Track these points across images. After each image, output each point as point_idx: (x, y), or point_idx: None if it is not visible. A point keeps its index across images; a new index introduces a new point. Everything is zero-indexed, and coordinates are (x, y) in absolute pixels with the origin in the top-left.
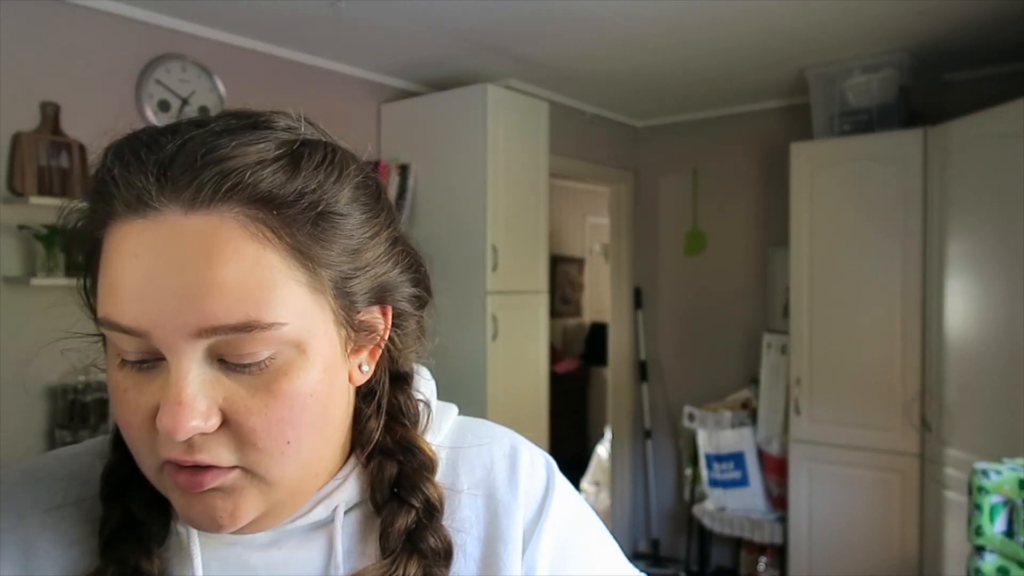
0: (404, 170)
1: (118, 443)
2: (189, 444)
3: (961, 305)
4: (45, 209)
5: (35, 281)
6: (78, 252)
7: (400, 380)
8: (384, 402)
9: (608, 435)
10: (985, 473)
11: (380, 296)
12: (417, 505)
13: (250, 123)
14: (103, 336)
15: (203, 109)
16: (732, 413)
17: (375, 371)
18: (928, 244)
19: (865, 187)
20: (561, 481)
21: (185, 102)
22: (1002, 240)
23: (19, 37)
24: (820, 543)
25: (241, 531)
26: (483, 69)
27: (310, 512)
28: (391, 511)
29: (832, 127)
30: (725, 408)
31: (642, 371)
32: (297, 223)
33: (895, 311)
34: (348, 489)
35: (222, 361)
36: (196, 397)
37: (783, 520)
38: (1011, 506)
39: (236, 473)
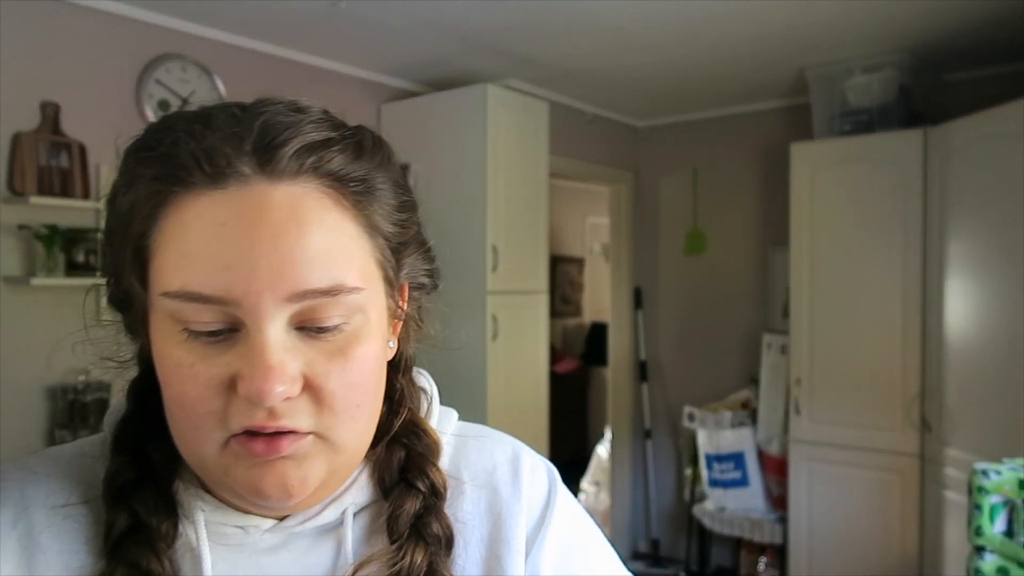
0: (404, 170)
1: (119, 446)
2: (271, 411)
3: (961, 305)
4: (45, 209)
5: (35, 281)
6: (122, 230)
7: (404, 363)
8: (395, 384)
9: (608, 435)
10: (985, 473)
11: (408, 275)
12: (423, 489)
13: (298, 107)
14: (131, 322)
15: None
16: (732, 413)
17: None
18: (928, 244)
19: (865, 187)
20: (563, 488)
21: (185, 102)
22: (1002, 240)
23: (19, 37)
24: (820, 543)
25: (294, 508)
26: (483, 69)
27: (320, 514)
28: (399, 495)
29: (832, 127)
30: (725, 408)
31: (642, 371)
32: (360, 198)
33: (895, 311)
34: (357, 491)
35: (300, 328)
36: (284, 362)
37: (783, 520)
38: (1011, 506)
39: (309, 439)
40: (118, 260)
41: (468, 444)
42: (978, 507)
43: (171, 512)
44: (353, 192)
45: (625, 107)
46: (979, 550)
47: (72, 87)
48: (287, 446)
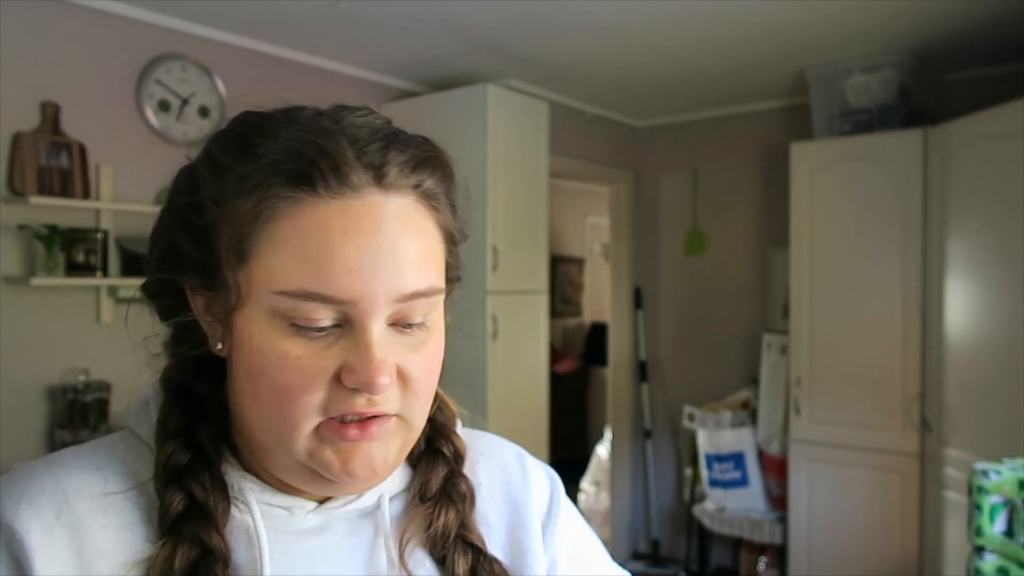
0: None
1: (167, 432)
2: (369, 398)
3: (961, 305)
4: (45, 209)
5: (35, 281)
6: (212, 225)
7: None
8: None
9: (608, 435)
10: (985, 473)
11: (453, 272)
12: (448, 454)
13: (392, 126)
14: (219, 315)
15: (203, 109)
16: (732, 413)
17: None
18: (928, 244)
19: (865, 187)
20: (561, 484)
21: (185, 102)
22: (1002, 240)
23: (19, 37)
24: (820, 543)
25: (361, 488)
26: (483, 69)
27: (360, 498)
28: (429, 461)
29: (832, 127)
30: (725, 408)
31: (642, 371)
32: (441, 208)
33: (895, 311)
34: (393, 480)
35: (392, 325)
36: (387, 355)
37: (783, 520)
38: (1011, 506)
39: (393, 421)
40: (192, 252)
41: (476, 446)
42: (978, 507)
43: (224, 492)
44: (438, 203)
45: (625, 107)
46: (979, 550)
47: (72, 87)
48: (376, 430)
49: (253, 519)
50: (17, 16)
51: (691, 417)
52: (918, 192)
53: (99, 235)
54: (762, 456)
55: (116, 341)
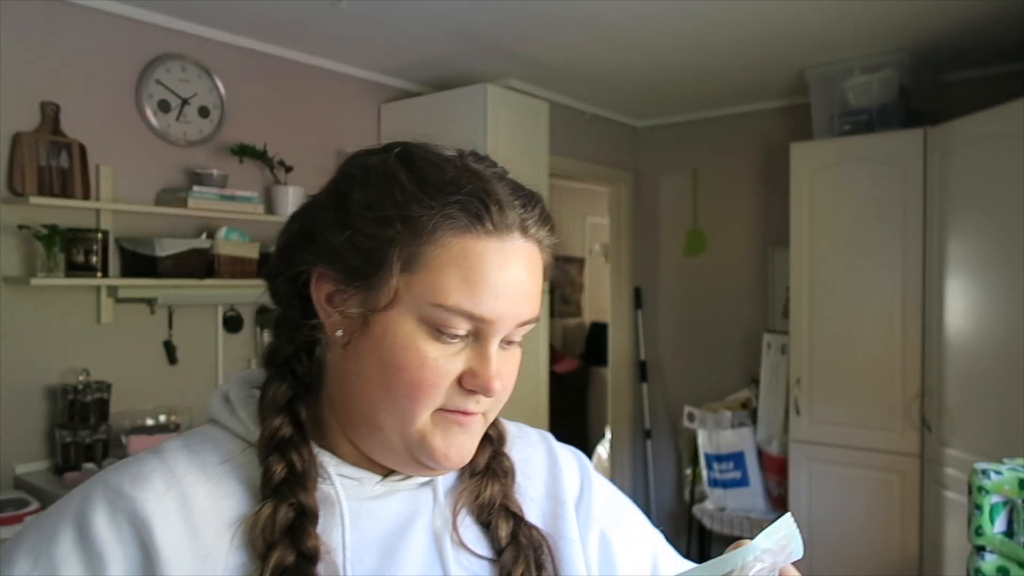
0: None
1: (272, 408)
2: (479, 400)
3: (961, 305)
4: (45, 209)
5: (35, 281)
6: (383, 237)
7: None
8: None
9: (608, 435)
10: (985, 473)
11: None
12: (493, 436)
13: (525, 186)
14: (345, 307)
15: (203, 109)
16: (732, 413)
17: None
18: (928, 244)
19: (865, 187)
20: (588, 460)
21: (185, 102)
22: (1002, 240)
23: (19, 37)
24: (820, 543)
25: (448, 471)
26: (483, 69)
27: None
28: (479, 444)
29: (832, 127)
30: (725, 408)
31: (642, 371)
32: (547, 256)
33: (895, 311)
34: None
35: (500, 341)
36: (499, 367)
37: None
38: (1011, 506)
39: (479, 417)
40: (346, 249)
41: (511, 430)
42: (978, 507)
43: (315, 462)
44: (546, 251)
45: (625, 107)
46: (979, 550)
47: (72, 87)
48: (471, 422)
49: (334, 487)
50: (17, 16)
51: (691, 417)
52: (918, 192)
53: (99, 235)
54: (762, 456)
55: (116, 341)
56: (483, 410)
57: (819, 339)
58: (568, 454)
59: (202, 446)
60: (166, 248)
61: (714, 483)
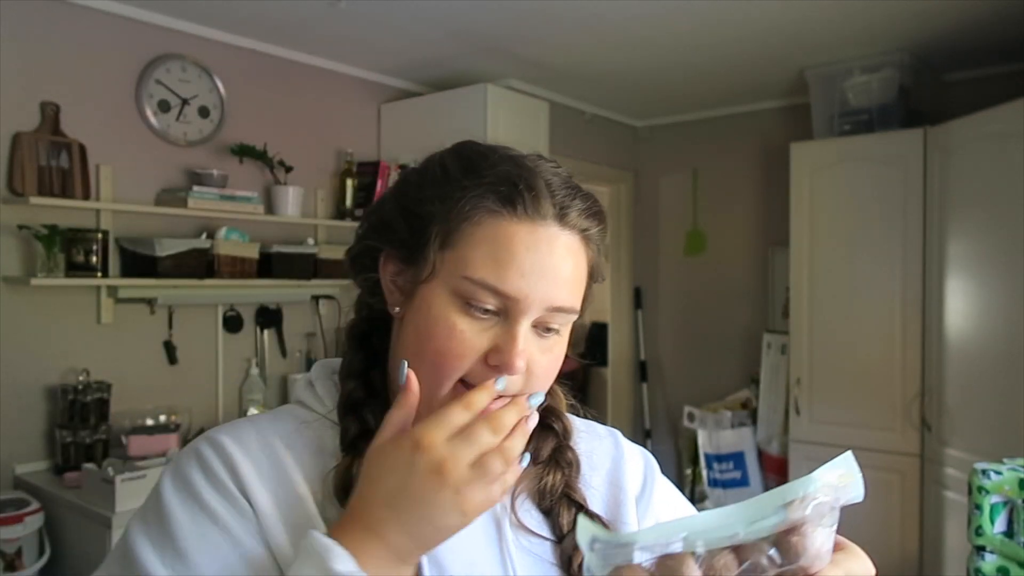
0: (404, 170)
1: (350, 374)
2: (500, 377)
3: (961, 305)
4: (45, 209)
5: (35, 281)
6: (428, 216)
7: None
8: None
9: None
10: (985, 473)
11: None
12: (558, 429)
13: (572, 178)
14: (402, 284)
15: (203, 109)
16: (732, 413)
17: None
18: (928, 244)
19: (865, 187)
20: (655, 461)
21: (185, 102)
22: (1002, 240)
23: (19, 37)
24: None
25: None
26: (483, 69)
27: None
28: (541, 433)
29: (832, 127)
30: (725, 408)
31: (642, 371)
32: (594, 252)
33: (895, 311)
34: None
35: (533, 327)
36: (526, 348)
37: None
38: (1011, 506)
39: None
40: (402, 230)
41: (578, 425)
42: (978, 507)
43: None
44: (592, 247)
45: (625, 107)
46: (979, 550)
47: (72, 87)
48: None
49: None
50: (17, 16)
51: (691, 417)
52: (918, 192)
53: (99, 235)
54: (762, 456)
55: (116, 341)
56: (511, 391)
57: (819, 339)
58: (635, 450)
59: (286, 417)
60: (166, 248)
61: (714, 483)
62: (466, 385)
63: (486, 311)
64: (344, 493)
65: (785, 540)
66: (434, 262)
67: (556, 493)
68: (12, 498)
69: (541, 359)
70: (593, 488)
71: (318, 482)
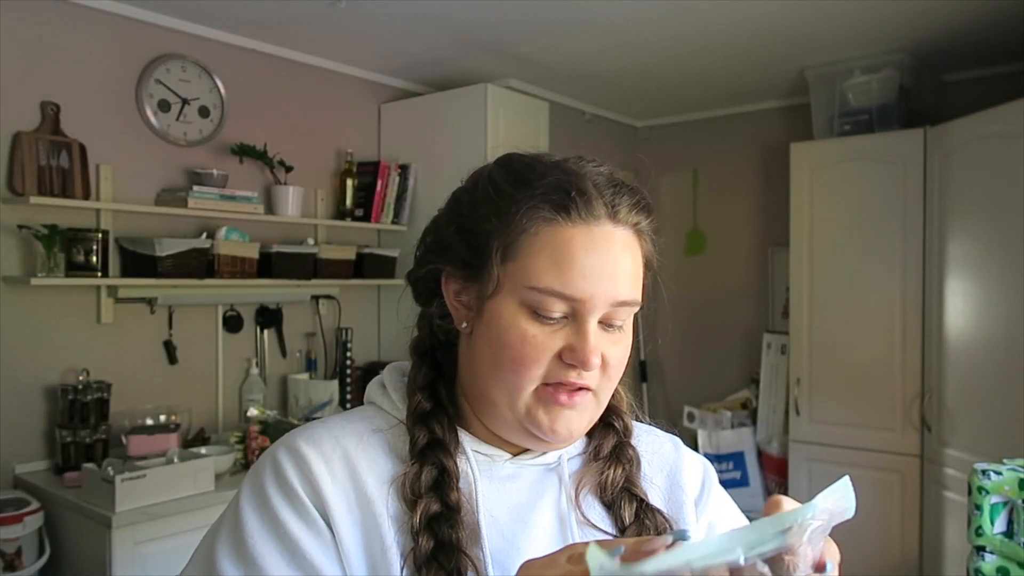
0: (404, 170)
1: (416, 388)
2: (580, 373)
3: (961, 305)
4: (45, 209)
5: (35, 281)
6: (487, 231)
7: None
8: None
9: None
10: (985, 473)
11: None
12: (619, 428)
13: (619, 176)
14: (466, 300)
15: (203, 109)
16: (732, 413)
17: None
18: (928, 244)
19: (865, 187)
20: (714, 472)
21: (185, 102)
22: (1002, 240)
23: (19, 37)
24: None
25: (559, 445)
26: (483, 69)
27: (545, 455)
28: (603, 431)
29: (832, 127)
30: (725, 408)
31: (642, 371)
32: (647, 242)
33: (895, 311)
34: (572, 444)
35: (600, 323)
36: (597, 344)
37: None
38: (1011, 506)
39: (590, 395)
40: (461, 249)
41: (640, 426)
42: (978, 507)
43: (454, 432)
44: (645, 238)
45: (625, 107)
46: (979, 550)
47: (72, 87)
48: (579, 400)
49: (468, 459)
50: (17, 16)
51: (691, 417)
52: (918, 192)
53: (99, 235)
54: (762, 456)
55: (116, 341)
56: (589, 384)
57: (819, 339)
58: (695, 456)
59: (360, 420)
60: (166, 248)
61: None
62: (547, 385)
63: (553, 317)
64: (415, 499)
65: (779, 559)
66: (498, 276)
67: (617, 487)
68: (12, 498)
69: (613, 352)
70: (655, 485)
71: (387, 485)
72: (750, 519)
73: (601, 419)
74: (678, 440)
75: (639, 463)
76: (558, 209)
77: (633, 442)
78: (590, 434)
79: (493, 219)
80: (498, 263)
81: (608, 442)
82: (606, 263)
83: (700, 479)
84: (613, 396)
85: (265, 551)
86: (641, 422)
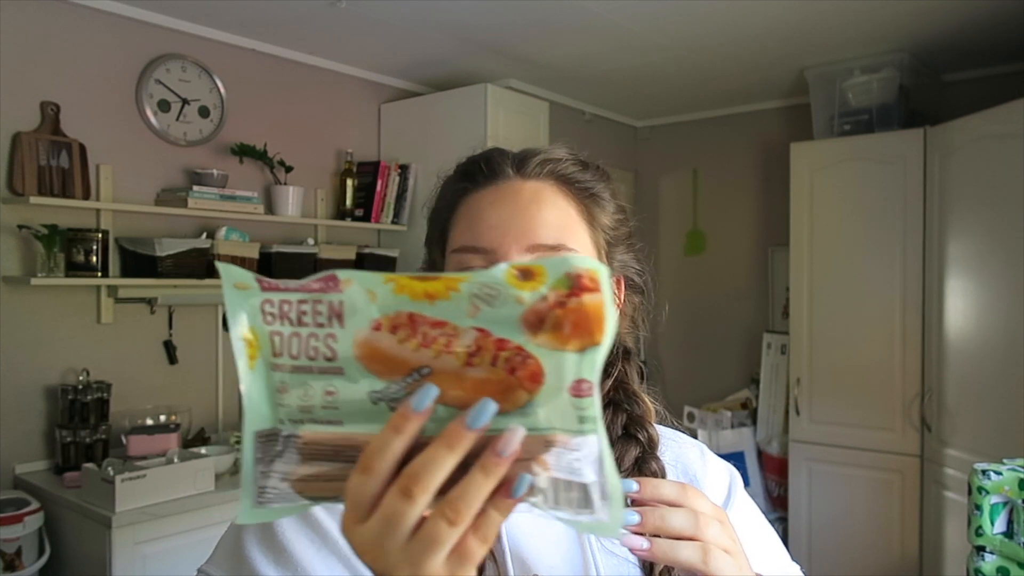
0: (404, 170)
1: None
2: None
3: (961, 305)
4: (45, 209)
5: (35, 281)
6: (435, 219)
7: (625, 351)
8: (615, 366)
9: None
10: (985, 473)
11: (620, 268)
12: (642, 439)
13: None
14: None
15: (203, 109)
16: (732, 413)
17: None
18: (928, 244)
19: (865, 187)
20: (740, 478)
21: (185, 102)
22: (1002, 240)
23: (19, 37)
24: (820, 543)
25: None
26: (483, 69)
27: None
28: (624, 443)
29: (832, 127)
30: (725, 408)
31: (642, 371)
32: (582, 196)
33: (895, 311)
34: None
35: None
36: None
37: (783, 520)
38: (1011, 506)
39: None
40: (430, 239)
41: (664, 434)
42: (978, 507)
43: None
44: (577, 191)
45: (625, 107)
46: (979, 550)
47: (72, 87)
48: None
49: None
50: (17, 16)
51: (691, 417)
52: (918, 192)
53: (99, 235)
54: (762, 456)
55: (116, 341)
56: None
57: (819, 339)
58: (720, 463)
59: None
60: (166, 248)
61: None
62: None
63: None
64: None
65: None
66: (439, 256)
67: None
68: (12, 498)
69: None
70: None
71: None
72: None
73: (623, 430)
74: (704, 447)
75: (663, 475)
76: (467, 178)
77: (659, 452)
78: (611, 443)
79: (434, 207)
80: (437, 243)
81: (629, 455)
82: (515, 211)
83: (725, 486)
84: (636, 406)
85: (295, 539)
86: (667, 426)
